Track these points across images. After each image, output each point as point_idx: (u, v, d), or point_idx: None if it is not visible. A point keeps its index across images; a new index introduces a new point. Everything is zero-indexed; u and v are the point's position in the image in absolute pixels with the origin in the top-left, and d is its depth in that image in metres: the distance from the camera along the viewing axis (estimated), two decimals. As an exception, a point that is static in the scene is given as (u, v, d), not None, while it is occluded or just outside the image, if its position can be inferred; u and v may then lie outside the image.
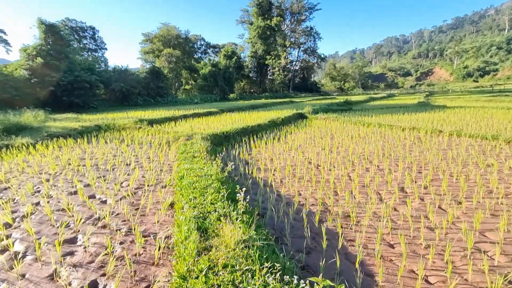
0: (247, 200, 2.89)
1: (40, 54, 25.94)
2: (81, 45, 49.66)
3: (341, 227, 3.60)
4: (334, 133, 10.56)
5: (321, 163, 6.67)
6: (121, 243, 2.99)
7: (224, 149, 8.48)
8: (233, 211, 3.06)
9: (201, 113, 18.03)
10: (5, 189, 5.10)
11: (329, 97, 51.51)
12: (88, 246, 2.94)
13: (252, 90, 64.15)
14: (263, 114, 16.59)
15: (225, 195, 3.56)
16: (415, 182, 5.21)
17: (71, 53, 29.89)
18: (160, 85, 37.51)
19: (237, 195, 2.75)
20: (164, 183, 5.07)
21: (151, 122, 13.54)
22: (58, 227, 3.40)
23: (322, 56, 73.94)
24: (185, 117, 16.25)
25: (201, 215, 3.03)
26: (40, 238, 3.18)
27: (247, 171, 6.08)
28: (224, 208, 3.17)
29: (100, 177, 5.55)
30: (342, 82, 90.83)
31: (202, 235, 2.60)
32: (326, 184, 5.23)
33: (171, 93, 42.50)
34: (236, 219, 2.66)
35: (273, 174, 5.89)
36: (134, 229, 3.15)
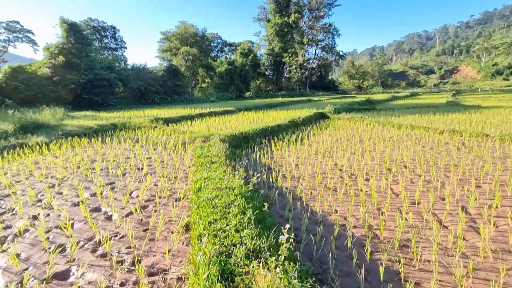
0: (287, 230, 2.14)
1: (62, 52, 26.32)
2: (102, 44, 50.58)
3: (400, 262, 2.80)
4: (362, 135, 9.62)
5: (355, 171, 5.84)
6: (121, 284, 2.34)
7: (244, 152, 7.79)
8: (265, 243, 2.35)
9: (217, 112, 17.47)
10: (7, 196, 4.64)
11: (348, 95, 49.51)
12: (81, 287, 2.30)
13: (268, 88, 63.15)
14: (282, 114, 15.77)
15: (252, 218, 2.86)
16: (478, 200, 4.28)
17: (92, 52, 30.26)
18: (177, 83, 37.43)
19: (280, 237, 2.00)
20: (179, 194, 4.42)
21: (167, 121, 13.09)
22: (51, 252, 2.81)
23: (341, 53, 71.61)
24: (201, 115, 15.74)
25: (225, 249, 2.33)
26: (27, 268, 2.59)
27: (271, 179, 5.36)
28: (253, 239, 2.45)
29: (109, 184, 5.00)
30: (361, 80, 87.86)
31: (228, 285, 1.89)
32: (367, 199, 4.41)
33: (187, 91, 42.36)
34: (275, 266, 1.93)
35: (301, 184, 5.13)
36: (140, 261, 2.49)
